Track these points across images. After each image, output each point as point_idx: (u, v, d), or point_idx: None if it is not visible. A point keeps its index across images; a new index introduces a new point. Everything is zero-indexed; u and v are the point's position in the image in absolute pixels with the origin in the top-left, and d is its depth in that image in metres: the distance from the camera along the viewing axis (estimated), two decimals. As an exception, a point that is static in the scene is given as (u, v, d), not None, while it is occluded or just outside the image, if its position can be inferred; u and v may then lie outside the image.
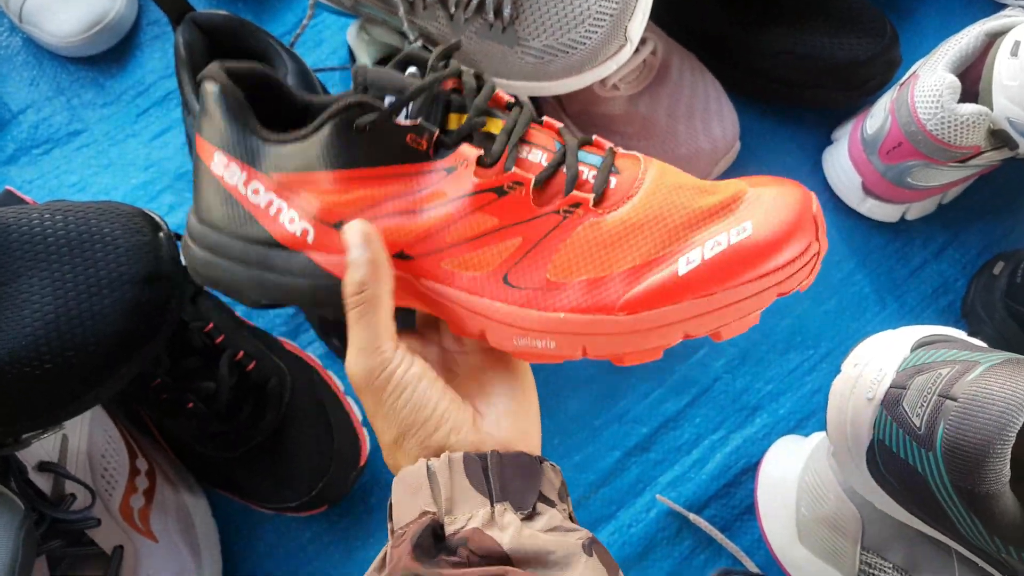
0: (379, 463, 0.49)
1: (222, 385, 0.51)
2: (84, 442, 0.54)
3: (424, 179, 0.35)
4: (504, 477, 0.33)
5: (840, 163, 0.62)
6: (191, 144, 0.43)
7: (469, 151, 0.34)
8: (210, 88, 0.37)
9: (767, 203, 0.34)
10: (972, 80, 0.54)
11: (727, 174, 0.62)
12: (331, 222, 0.36)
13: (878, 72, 0.61)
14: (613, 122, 0.59)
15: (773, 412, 0.58)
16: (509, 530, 0.31)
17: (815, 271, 0.35)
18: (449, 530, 0.32)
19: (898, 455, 0.39)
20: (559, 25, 0.49)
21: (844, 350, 0.47)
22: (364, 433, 0.56)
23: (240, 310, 0.57)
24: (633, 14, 0.49)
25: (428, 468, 0.33)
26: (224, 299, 0.55)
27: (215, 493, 0.57)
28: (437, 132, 0.34)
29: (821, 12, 0.61)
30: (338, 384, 0.58)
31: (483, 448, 0.34)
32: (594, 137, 0.37)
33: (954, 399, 0.37)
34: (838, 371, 0.46)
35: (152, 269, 0.44)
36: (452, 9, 0.49)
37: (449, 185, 0.34)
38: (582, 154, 0.36)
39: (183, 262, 0.41)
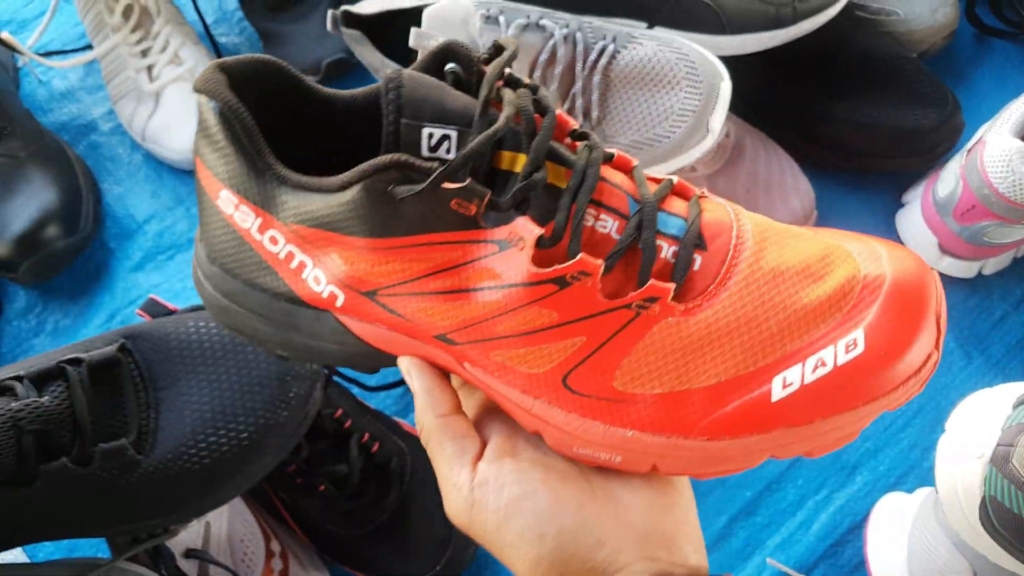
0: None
1: (352, 467, 0.55)
2: (224, 528, 0.58)
3: (471, 250, 0.29)
4: None
5: (914, 225, 0.65)
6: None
7: (526, 229, 0.28)
8: (208, 106, 0.29)
9: (883, 300, 0.28)
10: (1038, 141, 0.57)
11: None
12: (363, 291, 0.30)
13: (944, 138, 0.64)
14: (694, 200, 0.63)
15: (873, 469, 0.60)
16: None
17: (926, 381, 0.29)
18: None
19: (1011, 510, 0.41)
20: (645, 123, 0.54)
21: (936, 404, 0.50)
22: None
23: (357, 392, 0.62)
24: (715, 108, 0.53)
25: None
26: (346, 385, 0.60)
27: (339, 571, 0.61)
28: (488, 195, 0.28)
29: (885, 85, 0.65)
30: (451, 461, 0.61)
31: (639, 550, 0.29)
32: (675, 179, 0.31)
33: (1061, 454, 0.40)
34: (933, 425, 0.48)
35: (297, 366, 0.48)
36: (547, 113, 0.54)
37: (501, 265, 0.29)
38: (661, 217, 0.30)
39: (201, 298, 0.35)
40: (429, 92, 0.29)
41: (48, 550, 0.63)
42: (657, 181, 0.31)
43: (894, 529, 0.54)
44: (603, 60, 0.53)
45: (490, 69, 0.29)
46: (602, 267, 0.28)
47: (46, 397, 0.44)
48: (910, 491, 0.57)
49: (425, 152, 0.28)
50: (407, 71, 0.29)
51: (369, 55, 0.59)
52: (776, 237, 0.30)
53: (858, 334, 0.27)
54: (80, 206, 0.70)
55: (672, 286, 0.28)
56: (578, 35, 0.53)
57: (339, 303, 0.31)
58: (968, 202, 0.59)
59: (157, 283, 0.70)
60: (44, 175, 0.69)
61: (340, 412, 0.56)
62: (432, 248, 0.29)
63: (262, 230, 0.31)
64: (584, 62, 0.52)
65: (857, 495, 0.59)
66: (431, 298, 0.30)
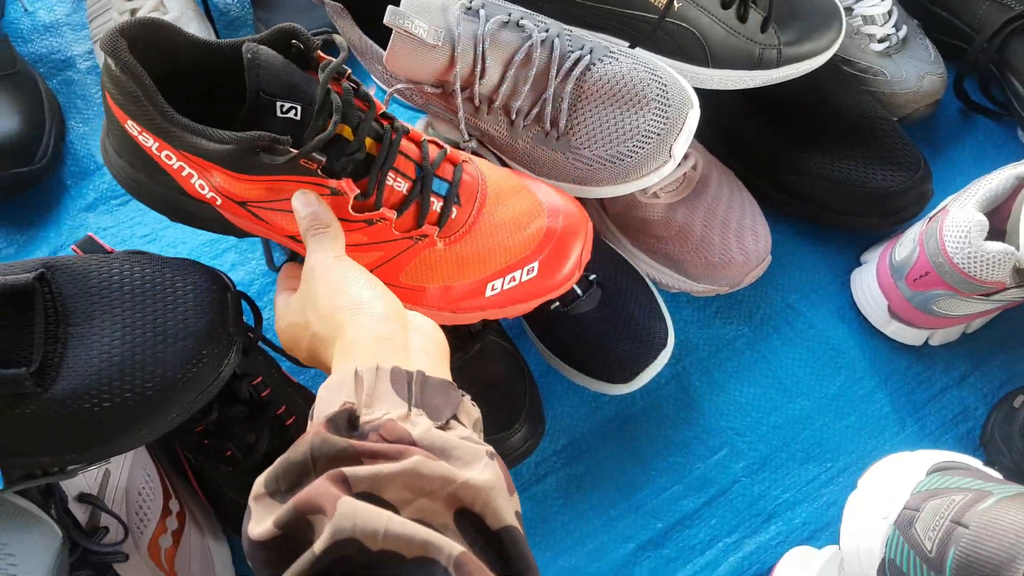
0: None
1: (262, 437, 0.54)
2: (124, 478, 0.56)
3: (314, 189, 0.44)
4: (425, 392, 0.36)
5: (868, 285, 0.64)
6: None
7: (350, 188, 0.44)
8: (114, 67, 0.42)
9: (552, 245, 0.49)
10: (1000, 218, 0.57)
11: (757, 284, 0.64)
12: (236, 200, 0.45)
13: (910, 203, 0.64)
14: (650, 226, 0.63)
15: (788, 520, 0.59)
16: (420, 427, 0.34)
17: (569, 286, 0.52)
18: (364, 419, 0.34)
19: (908, 575, 0.41)
20: (610, 139, 0.53)
21: (862, 466, 0.49)
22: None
23: (286, 366, 0.60)
24: (679, 135, 0.53)
25: (356, 371, 0.35)
26: (273, 355, 0.58)
27: (237, 541, 0.59)
28: (324, 161, 0.43)
29: (859, 142, 0.65)
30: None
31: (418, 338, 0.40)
32: (448, 149, 0.49)
33: (966, 526, 0.39)
34: (855, 486, 0.47)
35: (217, 326, 0.47)
36: (513, 116, 0.54)
37: (333, 203, 0.44)
38: (436, 182, 0.47)
39: (105, 165, 0.49)
40: (280, 71, 0.43)
41: (-54, 480, 0.61)
42: (440, 146, 0.49)
43: (797, 583, 0.53)
44: (577, 69, 0.52)
45: (324, 75, 0.43)
46: (394, 216, 0.46)
47: (-49, 315, 0.43)
48: (821, 547, 0.56)
49: (279, 114, 0.43)
50: (264, 49, 0.43)
51: (349, 30, 0.58)
52: (504, 196, 0.50)
53: (535, 264, 0.50)
54: (40, 139, 0.69)
55: (436, 229, 0.47)
56: (556, 41, 0.53)
57: (218, 203, 0.46)
58: (922, 268, 0.58)
59: (106, 226, 0.69)
60: (9, 103, 0.68)
61: (260, 380, 0.55)
62: (287, 183, 0.44)
63: (160, 149, 0.44)
64: (559, 68, 0.52)
65: (768, 544, 0.58)
66: (286, 214, 0.45)
